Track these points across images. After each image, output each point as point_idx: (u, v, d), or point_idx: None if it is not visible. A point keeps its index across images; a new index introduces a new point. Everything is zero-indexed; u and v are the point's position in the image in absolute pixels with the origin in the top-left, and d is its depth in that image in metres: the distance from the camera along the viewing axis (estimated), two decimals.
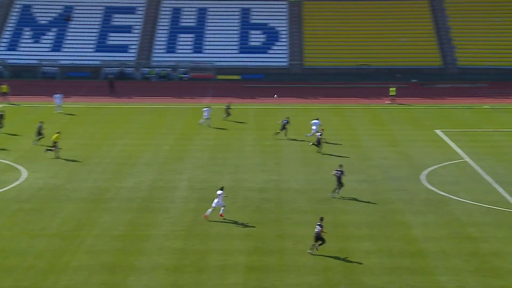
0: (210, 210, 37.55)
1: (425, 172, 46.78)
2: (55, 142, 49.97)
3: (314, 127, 56.05)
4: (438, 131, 59.30)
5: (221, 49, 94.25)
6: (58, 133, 50.97)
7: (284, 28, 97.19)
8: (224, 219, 37.41)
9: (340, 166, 41.99)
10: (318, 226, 33.18)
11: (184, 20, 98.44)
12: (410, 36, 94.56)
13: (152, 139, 56.97)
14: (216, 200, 37.55)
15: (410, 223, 37.18)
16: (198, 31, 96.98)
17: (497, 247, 33.83)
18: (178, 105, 72.42)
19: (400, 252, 33.42)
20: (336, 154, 51.57)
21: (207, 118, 61.20)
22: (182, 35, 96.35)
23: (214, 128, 60.79)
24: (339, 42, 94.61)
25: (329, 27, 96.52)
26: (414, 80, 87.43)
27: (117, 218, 37.83)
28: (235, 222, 37.28)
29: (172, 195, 42.03)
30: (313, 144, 52.33)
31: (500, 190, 42.80)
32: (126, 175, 46.16)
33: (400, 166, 48.36)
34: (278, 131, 57.00)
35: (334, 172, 41.61)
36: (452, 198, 41.30)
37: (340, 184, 41.19)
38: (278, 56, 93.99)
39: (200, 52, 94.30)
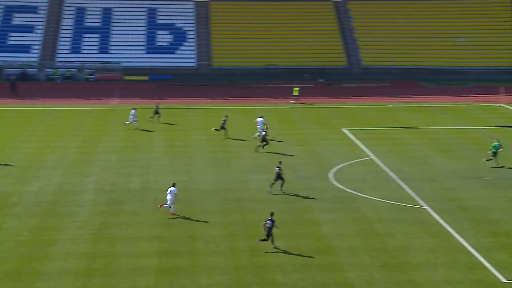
0: (171, 207, 37.95)
1: (333, 170, 47.58)
2: None
3: (259, 126, 56.39)
4: (344, 130, 60.44)
5: (128, 49, 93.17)
6: None
7: (191, 29, 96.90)
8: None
9: (280, 162, 42.71)
10: (269, 222, 33.63)
11: (88, 20, 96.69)
12: (316, 36, 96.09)
13: (57, 141, 55.63)
14: (169, 197, 37.98)
15: (319, 221, 37.71)
16: (103, 31, 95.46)
17: (403, 242, 34.72)
18: (84, 107, 71.00)
19: (310, 249, 33.84)
20: (246, 154, 51.79)
21: (134, 121, 60.05)
22: (87, 35, 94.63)
23: (122, 130, 59.94)
24: (247, 43, 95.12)
25: (237, 28, 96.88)
26: (321, 80, 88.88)
27: (22, 223, 36.73)
28: (145, 224, 36.85)
29: (79, 198, 41.15)
30: (260, 145, 52.45)
31: (405, 186, 43.98)
32: (31, 178, 44.90)
33: (308, 165, 49.00)
34: (217, 128, 57.06)
35: (276, 169, 42.03)
36: (359, 195, 42.16)
37: (278, 179, 41.82)
38: (186, 57, 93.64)
39: (106, 53, 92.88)
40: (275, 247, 33.72)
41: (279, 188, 42.20)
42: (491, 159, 48.26)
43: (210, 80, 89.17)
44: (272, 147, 54.05)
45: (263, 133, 52.99)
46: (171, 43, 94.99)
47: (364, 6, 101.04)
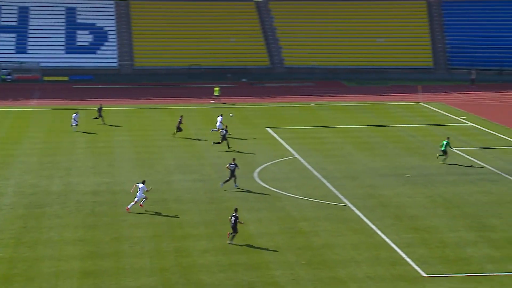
0: (132, 203, 38.20)
1: (258, 169, 47.82)
2: None
3: (218, 123, 56.61)
4: (268, 129, 60.82)
5: (47, 49, 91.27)
6: None
7: (112, 28, 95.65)
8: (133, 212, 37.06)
9: (234, 159, 43.25)
10: (233, 217, 34.09)
11: (4, 19, 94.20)
12: (238, 36, 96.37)
13: None
14: (138, 193, 38.28)
15: (245, 220, 37.76)
16: (20, 30, 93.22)
17: (327, 240, 35.18)
18: (1, 108, 69.08)
19: (236, 249, 33.91)
20: (170, 155, 51.48)
21: (73, 125, 58.63)
22: (3, 34, 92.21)
23: (42, 131, 58.66)
24: (169, 43, 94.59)
25: (159, 28, 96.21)
26: (244, 80, 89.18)
27: None
28: (68, 227, 36.17)
29: None
30: (215, 143, 52.87)
31: (328, 185, 44.59)
32: None
33: None
34: (175, 131, 56.94)
35: (228, 165, 42.52)
36: (284, 194, 42.49)
37: (232, 176, 42.40)
38: (107, 57, 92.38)
39: (24, 53, 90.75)
40: (230, 243, 34.07)
41: (234, 185, 42.72)
42: (442, 156, 49.29)
43: (133, 81, 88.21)
44: (196, 148, 53.93)
45: (223, 131, 53.14)
46: (91, 43, 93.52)
47: (285, 6, 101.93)
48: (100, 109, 61.82)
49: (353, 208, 39.93)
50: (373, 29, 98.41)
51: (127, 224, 36.98)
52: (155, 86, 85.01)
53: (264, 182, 44.78)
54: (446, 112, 69.20)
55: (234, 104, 72.58)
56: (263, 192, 42.73)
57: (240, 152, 52.45)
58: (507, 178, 45.95)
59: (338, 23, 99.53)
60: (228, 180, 42.77)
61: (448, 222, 37.61)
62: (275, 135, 58.70)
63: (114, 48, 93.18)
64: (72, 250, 33.34)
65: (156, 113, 67.88)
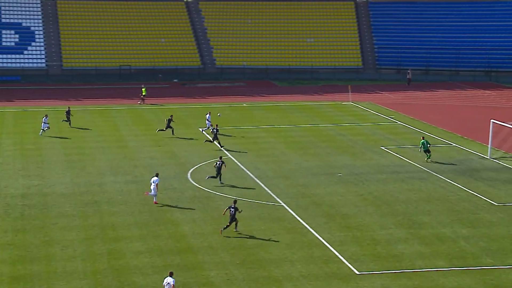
0: (150, 193, 40.17)
1: (192, 170, 47.67)
2: None
3: (208, 122, 58.11)
4: (201, 130, 60.62)
5: None
6: None
7: (39, 28, 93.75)
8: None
9: (220, 157, 44.83)
10: (232, 209, 35.40)
11: None
12: (169, 36, 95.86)
13: None
14: (152, 187, 39.71)
15: (179, 221, 37.67)
16: None
17: (261, 240, 35.31)
18: None
19: (170, 249, 33.74)
20: (101, 156, 50.80)
21: (45, 129, 56.97)
22: None
23: None
24: (99, 43, 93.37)
25: (87, 27, 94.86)
26: (175, 80, 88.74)
27: None
28: None
29: None
30: (207, 141, 53.59)
31: (261, 184, 44.78)
32: None
33: (167, 165, 48.81)
34: (163, 129, 57.15)
35: (215, 164, 44.01)
36: (217, 194, 42.47)
37: (218, 174, 43.76)
38: (35, 57, 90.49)
39: None
40: (237, 231, 35.74)
41: (218, 181, 44.00)
42: (427, 155, 50.28)
43: (62, 81, 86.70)
44: (128, 149, 53.39)
45: (215, 130, 53.56)
46: (17, 43, 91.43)
47: (215, 7, 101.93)
48: (68, 112, 60.56)
49: (287, 207, 40.22)
50: (303, 29, 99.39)
51: (58, 227, 36.32)
52: (85, 87, 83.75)
53: (197, 183, 44.66)
54: (375, 111, 70.42)
55: (162, 105, 72.11)
56: (196, 193, 42.64)
57: (172, 153, 52.20)
58: (435, 175, 47.07)
59: (268, 23, 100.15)
60: (214, 177, 43.89)
61: (379, 220, 38.28)
62: (207, 135, 58.55)
63: (42, 48, 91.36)
64: (1, 254, 32.57)
65: (86, 114, 66.90)
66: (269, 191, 43.27)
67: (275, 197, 42.07)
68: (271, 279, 30.88)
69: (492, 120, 53.05)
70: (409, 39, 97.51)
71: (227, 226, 35.68)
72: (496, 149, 53.38)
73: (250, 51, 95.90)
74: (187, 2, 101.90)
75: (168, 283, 28.11)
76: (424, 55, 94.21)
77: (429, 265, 32.37)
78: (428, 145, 50.60)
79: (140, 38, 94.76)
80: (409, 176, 46.74)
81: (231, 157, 51.38)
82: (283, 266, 32.11)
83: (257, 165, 49.32)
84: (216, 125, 54.70)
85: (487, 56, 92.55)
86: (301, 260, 32.77)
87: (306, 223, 37.63)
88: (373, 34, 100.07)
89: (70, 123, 60.36)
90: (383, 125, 63.99)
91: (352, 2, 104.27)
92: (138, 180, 45.00)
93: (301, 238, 35.59)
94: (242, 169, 48.27)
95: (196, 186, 44.04)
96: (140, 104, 72.15)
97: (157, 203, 40.02)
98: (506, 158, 51.66)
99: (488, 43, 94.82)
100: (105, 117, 66.16)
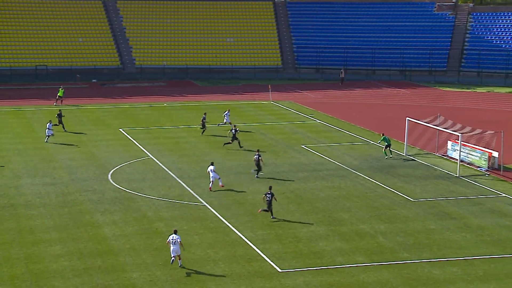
0: (210, 184, 42.61)
1: (112, 171, 47.08)
2: None
3: (226, 118, 60.73)
4: (122, 130, 59.98)
5: None
6: None
7: None
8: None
9: (258, 150, 46.88)
10: (268, 195, 37.45)
11: None
12: (87, 36, 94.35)
13: None
14: (211, 175, 42.63)
15: (99, 223, 37.15)
16: None
17: (183, 240, 34.96)
18: None
19: (91, 252, 33.24)
20: (18, 158, 49.59)
21: (50, 135, 54.81)
22: None
23: None
24: (14, 42, 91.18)
25: (1, 26, 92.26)
26: (94, 80, 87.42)
27: None
28: None
29: None
30: (229, 144, 53.46)
31: (183, 184, 44.64)
32: None
33: (86, 166, 48.05)
34: (204, 128, 58.31)
35: (255, 157, 46.11)
36: (139, 195, 42.10)
37: (258, 167, 45.70)
38: None
39: None
40: (273, 218, 37.70)
41: (256, 175, 45.64)
42: (390, 154, 51.44)
43: None
44: (46, 150, 52.32)
45: (233, 131, 53.66)
46: None
47: (133, 6, 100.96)
48: (59, 115, 58.46)
49: (209, 207, 40.23)
50: (223, 29, 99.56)
51: None
52: (0, 88, 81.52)
53: (118, 184, 44.15)
54: (295, 110, 71.18)
55: (81, 106, 70.96)
56: (117, 194, 42.14)
57: (92, 154, 51.44)
58: (354, 173, 47.96)
59: (188, 23, 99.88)
60: (257, 171, 45.94)
61: (300, 218, 38.74)
62: (128, 135, 57.98)
63: None
64: None
65: (1, 115, 65.14)
66: (191, 191, 43.17)
67: (198, 197, 42.02)
68: (194, 279, 30.83)
69: (407, 118, 54.45)
70: (327, 38, 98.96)
71: (266, 210, 37.91)
72: (412, 146, 54.81)
73: (170, 50, 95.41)
74: (104, 1, 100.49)
75: (175, 240, 31.40)
76: (342, 54, 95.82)
77: (349, 261, 32.97)
78: (380, 142, 52.45)
79: (57, 37, 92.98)
80: (329, 174, 47.47)
81: (153, 157, 50.99)
82: (206, 266, 32.11)
83: (179, 165, 49.14)
84: (235, 126, 55.45)
85: (401, 55, 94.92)
86: (224, 259, 32.84)
87: (229, 222, 37.72)
88: (292, 34, 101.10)
89: (63, 126, 58.25)
90: (303, 123, 64.75)
91: (271, 2, 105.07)
92: (57, 182, 44.14)
93: (223, 237, 35.66)
94: (164, 169, 47.98)
95: (117, 187, 43.53)
96: (56, 105, 70.73)
97: (223, 186, 43.12)
98: (421, 155, 53.11)
99: (402, 43, 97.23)
100: (21, 118, 64.61)
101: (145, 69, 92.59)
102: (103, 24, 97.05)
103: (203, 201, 41.23)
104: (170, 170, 47.65)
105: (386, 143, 51.59)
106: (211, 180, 42.90)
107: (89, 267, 31.62)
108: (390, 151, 51.99)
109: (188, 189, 43.66)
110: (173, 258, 31.73)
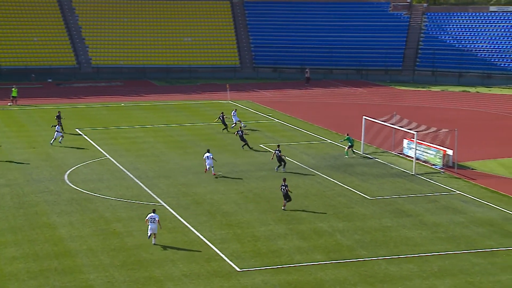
0: (212, 169, 45.60)
1: (68, 171, 46.59)
2: None
3: (235, 118, 61.19)
4: (78, 130, 59.38)
5: None
6: None
7: None
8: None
9: (278, 146, 48.73)
10: (283, 187, 39.05)
11: None
12: (42, 35, 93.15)
13: None
14: (207, 162, 45.31)
15: (55, 224, 36.73)
16: None
17: (140, 240, 34.98)
18: None
19: (47, 254, 32.84)
20: None
21: (59, 136, 53.66)
22: None
23: None
24: None
25: None
26: (50, 80, 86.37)
27: None
28: None
29: None
30: (245, 144, 53.69)
31: (141, 184, 44.39)
32: None
33: (41, 167, 47.46)
34: (225, 127, 59.28)
35: (274, 152, 47.74)
36: (96, 195, 41.74)
37: (281, 161, 47.29)
38: None
39: None
40: (284, 209, 39.43)
41: (282, 170, 47.18)
42: (353, 154, 52.02)
43: None
44: (0, 152, 51.54)
45: (240, 132, 53.84)
46: None
47: (89, 5, 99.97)
48: (58, 117, 57.17)
49: (167, 207, 40.06)
50: (180, 28, 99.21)
51: None
52: None
53: (75, 185, 43.70)
54: (253, 109, 71.31)
55: (37, 106, 70.09)
56: (74, 195, 41.71)
57: (48, 155, 50.84)
58: (312, 171, 48.24)
59: (145, 22, 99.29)
60: (281, 166, 47.30)
61: (259, 217, 38.82)
62: (85, 136, 57.43)
63: None
64: None
65: None
66: (149, 191, 42.95)
67: (156, 197, 41.82)
68: (152, 279, 30.68)
69: (364, 117, 54.96)
70: (285, 38, 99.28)
71: (285, 202, 39.50)
72: (369, 144, 55.33)
73: (127, 50, 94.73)
74: (58, 0, 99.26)
75: (154, 218, 33.66)
76: (300, 54, 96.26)
77: (308, 259, 33.15)
78: (342, 140, 53.51)
79: (11, 36, 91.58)
80: (288, 173, 47.64)
81: (110, 157, 50.59)
82: (164, 266, 31.98)
83: (137, 165, 48.84)
84: (240, 127, 55.90)
85: (357, 55, 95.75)
86: (182, 260, 32.75)
87: (187, 222, 37.63)
88: (249, 33, 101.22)
89: (62, 128, 57.05)
90: (261, 123, 64.89)
91: (228, 2, 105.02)
92: (12, 184, 43.52)
93: (182, 237, 35.56)
94: (121, 169, 47.65)
95: (74, 188, 43.09)
96: (10, 105, 69.71)
97: (215, 175, 45.38)
98: (377, 153, 53.66)
99: (358, 43, 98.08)
100: None
101: (102, 68, 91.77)
102: (58, 23, 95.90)
103: (161, 201, 41.05)
104: (127, 171, 47.34)
105: (350, 143, 51.98)
106: (206, 166, 45.87)
107: (45, 269, 31.25)
108: (353, 151, 52.41)
109: (146, 189, 43.43)
110: (149, 234, 33.93)
